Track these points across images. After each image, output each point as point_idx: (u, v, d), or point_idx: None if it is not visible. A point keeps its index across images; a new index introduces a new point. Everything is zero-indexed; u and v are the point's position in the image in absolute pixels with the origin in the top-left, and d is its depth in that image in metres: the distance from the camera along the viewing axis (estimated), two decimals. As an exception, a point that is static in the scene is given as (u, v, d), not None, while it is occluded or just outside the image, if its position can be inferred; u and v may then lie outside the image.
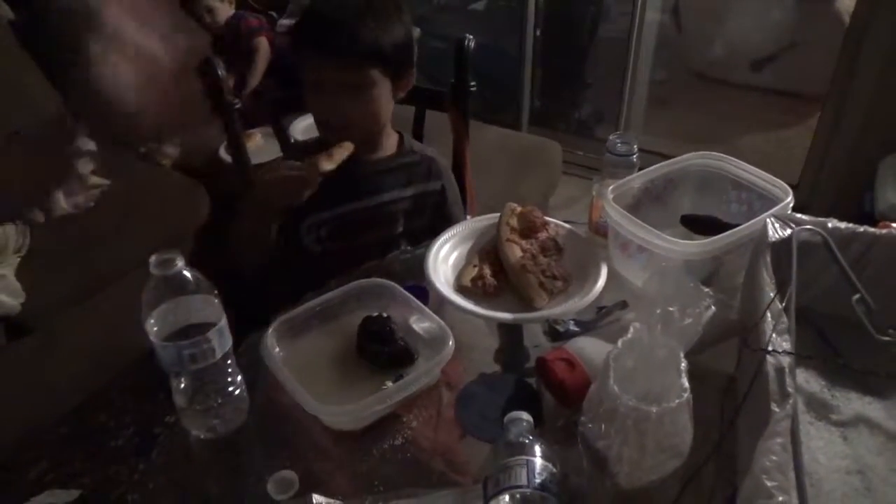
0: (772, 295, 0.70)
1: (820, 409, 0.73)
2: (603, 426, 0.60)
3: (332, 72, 1.08)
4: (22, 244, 1.77)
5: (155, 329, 0.69)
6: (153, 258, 0.66)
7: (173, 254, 0.67)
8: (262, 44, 2.35)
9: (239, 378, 0.78)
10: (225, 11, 2.46)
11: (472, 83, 1.31)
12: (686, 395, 0.58)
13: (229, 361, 0.76)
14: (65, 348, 1.78)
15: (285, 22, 2.65)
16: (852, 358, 0.74)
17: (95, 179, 1.98)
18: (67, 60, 2.26)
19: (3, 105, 2.07)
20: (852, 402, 0.73)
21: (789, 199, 0.89)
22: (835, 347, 0.79)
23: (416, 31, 1.23)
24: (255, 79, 2.33)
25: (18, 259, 1.74)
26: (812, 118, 2.52)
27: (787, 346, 0.66)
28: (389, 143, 1.23)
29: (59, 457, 0.81)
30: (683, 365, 0.60)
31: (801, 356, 0.65)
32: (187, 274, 0.68)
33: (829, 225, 0.81)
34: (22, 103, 2.13)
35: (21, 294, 1.67)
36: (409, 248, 1.22)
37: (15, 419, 1.57)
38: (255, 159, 1.42)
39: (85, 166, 2.00)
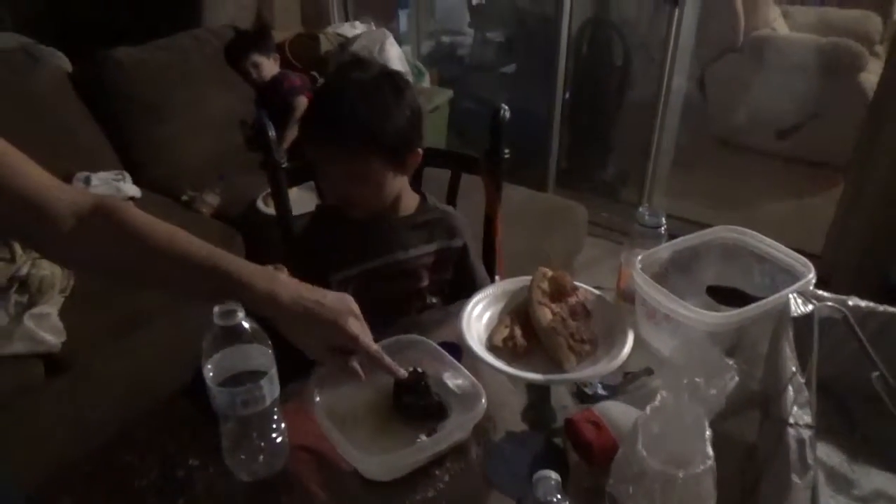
0: (793, 369, 0.74)
1: (840, 483, 0.75)
2: (631, 488, 0.63)
3: (330, 158, 1.13)
4: (67, 284, 1.84)
5: (211, 374, 0.74)
6: (217, 309, 0.72)
7: (235, 305, 0.72)
8: (301, 102, 2.45)
9: (283, 425, 0.83)
10: (271, 68, 2.56)
11: (506, 151, 1.37)
12: (710, 461, 0.61)
13: (276, 409, 0.80)
14: (98, 386, 1.83)
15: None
16: (872, 433, 0.77)
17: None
18: (118, 110, 2.39)
19: (59, 153, 2.18)
20: (872, 477, 0.75)
21: (811, 276, 0.93)
22: (855, 422, 0.81)
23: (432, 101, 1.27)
24: (290, 135, 2.42)
25: (63, 298, 1.81)
26: (836, 188, 2.55)
27: (807, 419, 0.69)
28: (410, 203, 1.26)
29: (84, 494, 0.84)
30: (708, 433, 0.63)
31: (820, 430, 0.68)
32: (245, 324, 0.74)
33: (850, 303, 0.84)
34: (77, 151, 2.25)
35: (63, 333, 1.74)
36: (435, 301, 1.27)
37: (47, 454, 1.62)
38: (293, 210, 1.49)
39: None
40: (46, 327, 1.72)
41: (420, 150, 1.18)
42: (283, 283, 0.83)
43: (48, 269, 1.82)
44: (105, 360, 1.85)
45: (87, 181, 2.13)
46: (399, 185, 1.19)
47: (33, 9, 2.61)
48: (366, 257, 1.22)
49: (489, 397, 0.85)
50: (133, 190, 2.20)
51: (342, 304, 0.85)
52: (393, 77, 1.15)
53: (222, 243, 2.12)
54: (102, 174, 2.18)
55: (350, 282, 1.22)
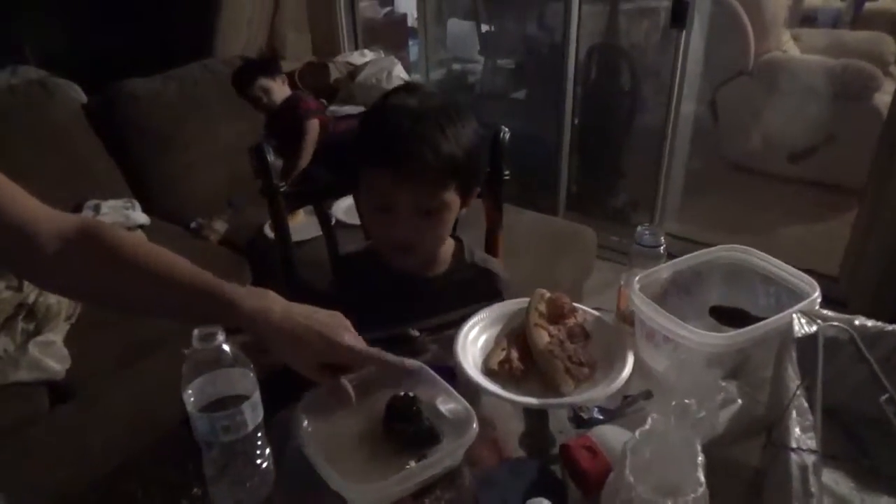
0: (797, 391, 0.71)
1: (849, 511, 0.71)
2: (620, 517, 0.60)
3: (405, 196, 1.01)
4: (73, 312, 1.85)
5: (192, 399, 0.72)
6: (196, 332, 0.70)
7: (215, 328, 0.71)
8: (314, 126, 2.45)
9: (268, 451, 0.80)
10: (281, 91, 2.55)
11: (507, 172, 1.36)
12: (701, 489, 0.58)
13: (259, 434, 0.78)
14: (102, 415, 1.82)
15: (334, 108, 2.80)
16: (882, 459, 0.73)
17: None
18: (130, 141, 2.43)
19: (71, 182, 2.22)
20: (883, 506, 0.71)
21: (816, 295, 0.90)
22: (864, 447, 0.78)
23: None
24: (304, 159, 2.42)
25: (68, 326, 1.82)
26: (851, 211, 2.51)
27: (811, 444, 0.66)
28: (446, 255, 1.17)
29: None
30: (700, 458, 0.60)
31: (826, 455, 0.65)
32: (226, 348, 0.72)
33: (857, 322, 0.81)
34: (88, 181, 2.28)
35: (67, 360, 1.74)
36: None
37: (51, 482, 1.60)
38: (297, 236, 1.49)
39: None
40: (51, 355, 1.72)
41: (479, 182, 1.11)
42: (272, 299, 0.82)
43: (55, 298, 1.83)
44: (110, 389, 1.84)
45: (97, 209, 2.16)
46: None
47: (51, 42, 2.68)
48: (396, 320, 1.08)
49: (487, 423, 0.83)
50: (142, 218, 2.22)
51: (334, 319, 0.83)
52: (458, 105, 1.07)
53: (229, 270, 2.14)
54: (112, 202, 2.21)
55: (374, 345, 1.15)
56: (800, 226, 3.04)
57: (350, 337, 0.83)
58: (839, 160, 3.01)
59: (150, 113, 2.44)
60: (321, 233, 1.42)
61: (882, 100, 3.01)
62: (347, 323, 0.84)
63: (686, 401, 0.60)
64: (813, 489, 0.60)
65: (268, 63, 2.61)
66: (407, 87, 1.11)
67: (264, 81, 2.50)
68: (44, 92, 2.33)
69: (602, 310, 1.07)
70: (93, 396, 1.81)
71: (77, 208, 2.19)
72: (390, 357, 0.85)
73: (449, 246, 1.19)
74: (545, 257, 2.16)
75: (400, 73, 2.86)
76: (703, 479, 0.59)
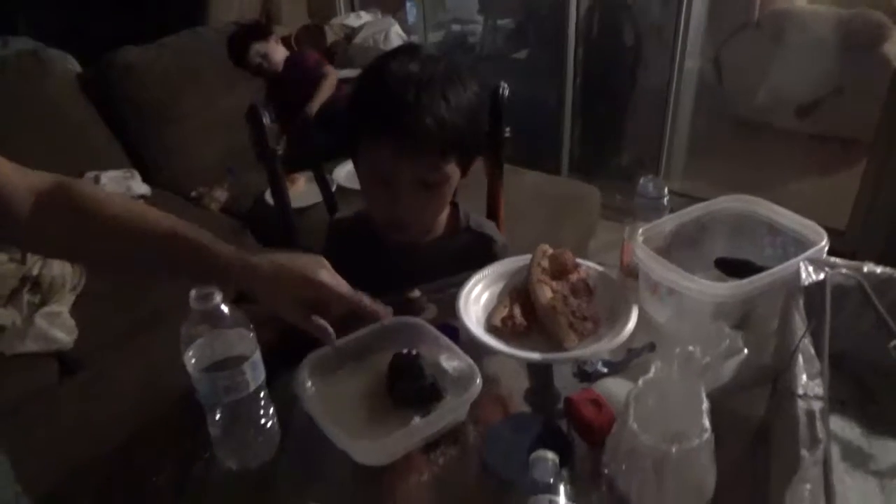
0: (803, 339, 0.69)
1: (857, 458, 0.71)
2: (624, 465, 0.59)
3: (405, 169, 0.98)
4: (78, 283, 1.85)
5: (193, 361, 0.72)
6: (193, 292, 0.69)
7: (212, 289, 0.70)
8: (332, 71, 2.42)
9: (271, 412, 0.80)
10: (279, 52, 2.50)
11: (507, 130, 1.34)
12: (707, 435, 0.57)
13: (262, 395, 0.78)
14: (112, 386, 1.84)
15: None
16: (889, 405, 0.72)
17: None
18: (128, 111, 2.40)
19: (69, 154, 2.20)
20: (890, 453, 0.70)
21: (823, 243, 0.88)
22: (871, 394, 0.77)
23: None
24: (316, 103, 2.37)
25: (73, 297, 1.82)
26: (859, 164, 2.47)
27: (818, 390, 0.65)
28: (441, 221, 1.15)
29: (100, 492, 0.84)
30: (705, 405, 0.59)
31: (832, 400, 0.64)
32: (224, 308, 0.71)
33: (865, 269, 0.79)
34: (86, 152, 2.27)
35: (74, 331, 1.75)
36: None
37: (62, 453, 1.62)
38: (298, 203, 1.48)
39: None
40: (58, 325, 1.73)
41: (478, 153, 1.08)
42: (252, 249, 0.81)
43: (59, 269, 1.83)
44: (119, 359, 1.86)
45: (97, 180, 2.15)
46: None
47: (43, 13, 2.64)
48: (390, 287, 1.03)
49: (491, 380, 0.82)
50: (143, 188, 2.21)
51: (312, 259, 0.83)
52: (460, 69, 1.01)
53: (231, 238, 2.13)
54: (111, 173, 2.20)
55: None
56: (807, 181, 3.00)
57: (327, 275, 0.82)
58: (848, 113, 2.96)
59: (145, 82, 2.41)
60: (320, 199, 1.41)
61: (892, 50, 2.95)
62: (326, 263, 0.83)
63: (690, 348, 0.59)
64: (820, 435, 0.59)
65: (256, 27, 2.55)
66: (408, 50, 1.04)
67: (259, 46, 2.45)
68: (37, 63, 2.30)
69: (605, 265, 1.06)
70: (101, 367, 1.82)
71: (76, 180, 2.19)
72: (366, 300, 0.83)
73: (445, 213, 1.16)
74: (549, 218, 2.15)
75: (398, 35, 2.81)
76: (708, 424, 0.58)
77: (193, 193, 2.29)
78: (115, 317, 1.86)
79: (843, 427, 0.73)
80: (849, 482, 0.67)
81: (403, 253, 1.12)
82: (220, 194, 2.26)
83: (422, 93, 0.95)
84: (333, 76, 2.43)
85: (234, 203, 2.29)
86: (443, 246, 1.14)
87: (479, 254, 1.14)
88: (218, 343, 0.72)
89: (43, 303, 1.76)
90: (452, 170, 1.02)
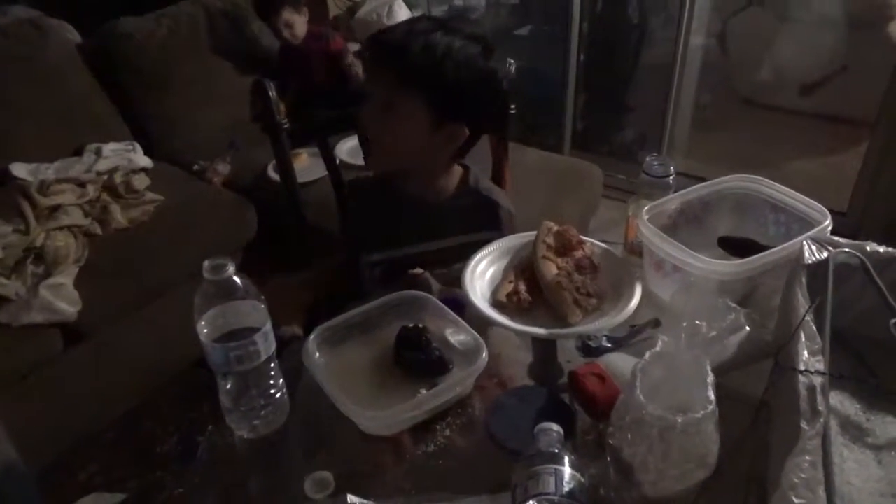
0: (805, 315, 0.71)
1: (855, 431, 0.72)
2: (629, 435, 0.61)
3: (374, 81, 1.08)
4: (81, 255, 1.86)
5: (205, 331, 0.73)
6: (206, 263, 0.70)
7: (225, 260, 0.71)
8: (356, 64, 2.41)
9: (281, 381, 0.82)
10: (303, 25, 2.42)
11: (512, 106, 1.34)
12: (711, 406, 0.59)
13: (272, 365, 0.79)
14: (116, 356, 1.86)
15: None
16: (888, 380, 0.74)
17: (150, 195, 2.07)
18: (129, 82, 2.38)
19: (70, 125, 2.19)
20: (888, 427, 0.72)
21: (827, 223, 0.89)
22: (871, 370, 0.78)
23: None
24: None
25: (77, 269, 1.83)
26: (862, 143, 2.46)
27: (819, 366, 0.66)
28: (450, 181, 1.19)
29: (107, 461, 0.85)
30: (710, 378, 0.61)
31: (833, 376, 0.65)
32: (237, 280, 0.72)
33: (868, 248, 0.80)
34: (87, 123, 2.25)
35: (78, 302, 1.76)
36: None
37: (68, 422, 1.64)
38: (301, 178, 1.48)
39: (141, 182, 2.10)
40: (62, 297, 1.74)
41: (463, 132, 1.10)
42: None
43: (62, 241, 1.84)
44: (122, 331, 1.87)
45: (99, 152, 2.14)
46: (421, 145, 1.10)
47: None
48: (401, 243, 1.16)
49: (495, 354, 0.84)
50: (144, 160, 2.20)
51: None
52: (477, 40, 1.08)
53: (234, 210, 2.13)
54: (113, 145, 2.19)
55: (380, 265, 1.18)
56: (810, 160, 2.99)
57: None
58: (852, 92, 2.94)
59: (146, 53, 2.38)
60: (323, 174, 1.40)
61: (895, 28, 2.92)
62: None
63: (696, 322, 0.61)
64: (821, 408, 0.60)
65: None
66: (459, 11, 1.15)
67: (289, 15, 2.35)
68: (37, 32, 2.27)
69: (610, 242, 1.07)
70: (105, 338, 1.84)
71: (77, 151, 2.18)
72: None
73: (456, 172, 1.20)
74: (551, 195, 2.15)
75: (401, 9, 2.77)
76: (713, 396, 0.59)
77: (195, 167, 2.28)
78: (119, 288, 1.87)
79: (843, 401, 0.75)
80: (847, 455, 0.69)
81: (415, 209, 1.16)
82: (223, 168, 2.25)
83: (432, 29, 1.04)
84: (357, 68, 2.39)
85: (236, 177, 2.28)
86: (452, 205, 1.19)
87: (485, 217, 1.19)
88: (230, 314, 0.73)
89: (47, 274, 1.77)
90: (416, 107, 1.05)
